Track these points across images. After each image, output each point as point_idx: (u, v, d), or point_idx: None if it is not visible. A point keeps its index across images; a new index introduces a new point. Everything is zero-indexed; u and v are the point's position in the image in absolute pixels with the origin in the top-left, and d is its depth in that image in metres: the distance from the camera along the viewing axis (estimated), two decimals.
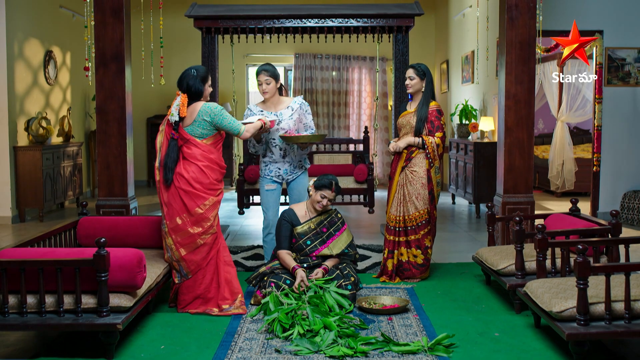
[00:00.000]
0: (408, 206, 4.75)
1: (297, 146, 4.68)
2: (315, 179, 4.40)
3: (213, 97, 6.71)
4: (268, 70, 4.56)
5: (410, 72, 4.78)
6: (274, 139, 4.64)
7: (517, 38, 5.31)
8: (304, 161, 4.81)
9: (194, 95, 4.06)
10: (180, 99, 3.99)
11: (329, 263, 4.26)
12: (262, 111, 4.63)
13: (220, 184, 4.12)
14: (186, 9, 6.43)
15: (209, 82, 4.15)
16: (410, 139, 4.75)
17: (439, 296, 4.42)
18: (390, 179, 4.91)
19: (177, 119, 3.98)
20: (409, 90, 4.81)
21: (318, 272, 4.16)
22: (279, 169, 4.69)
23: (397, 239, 4.81)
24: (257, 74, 4.58)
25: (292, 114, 4.63)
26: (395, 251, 4.81)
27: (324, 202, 4.30)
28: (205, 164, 4.01)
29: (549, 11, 7.05)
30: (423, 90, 4.78)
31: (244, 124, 4.21)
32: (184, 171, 3.98)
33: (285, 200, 6.22)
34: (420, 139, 4.72)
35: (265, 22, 6.28)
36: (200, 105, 4.04)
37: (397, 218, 4.80)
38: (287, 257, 4.23)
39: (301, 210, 4.40)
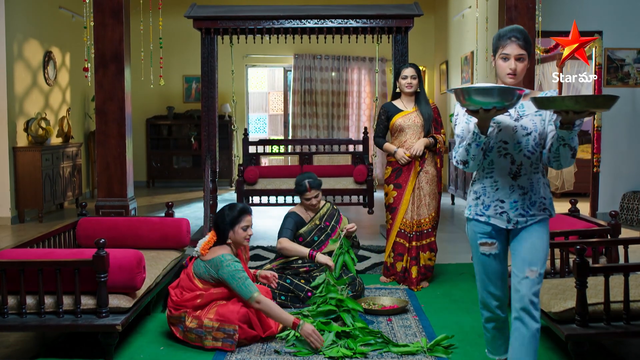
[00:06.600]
0: (423, 209, 4.67)
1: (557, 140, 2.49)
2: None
3: (212, 99, 6.72)
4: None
5: (412, 71, 4.65)
6: (505, 142, 2.62)
7: None
8: (549, 198, 2.67)
9: (219, 237, 3.64)
10: (209, 236, 3.63)
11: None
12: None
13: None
14: (185, 10, 6.42)
15: (242, 224, 3.60)
16: (424, 140, 4.62)
17: (439, 297, 4.43)
18: (401, 187, 4.67)
19: (196, 255, 3.62)
20: (411, 90, 4.66)
21: (354, 226, 4.24)
22: (502, 202, 2.63)
23: (410, 244, 4.67)
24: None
25: (537, 110, 2.66)
26: (405, 254, 4.69)
27: (314, 201, 4.35)
28: None
29: (548, 12, 7.05)
30: (418, 89, 4.72)
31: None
32: None
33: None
34: (433, 138, 4.66)
35: (265, 23, 6.27)
36: (220, 252, 3.55)
37: (412, 223, 4.67)
38: (294, 244, 4.21)
39: (302, 212, 4.44)
